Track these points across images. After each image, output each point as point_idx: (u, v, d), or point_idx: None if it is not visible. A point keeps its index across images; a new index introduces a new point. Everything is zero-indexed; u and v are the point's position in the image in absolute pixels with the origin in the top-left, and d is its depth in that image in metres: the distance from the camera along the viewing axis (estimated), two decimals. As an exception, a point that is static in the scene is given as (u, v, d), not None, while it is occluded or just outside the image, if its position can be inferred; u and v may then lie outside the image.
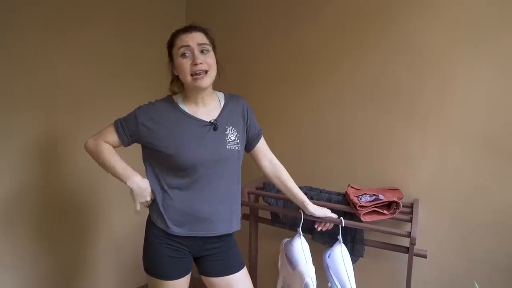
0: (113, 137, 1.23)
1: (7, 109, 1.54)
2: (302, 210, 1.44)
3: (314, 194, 1.60)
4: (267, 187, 1.76)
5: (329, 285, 1.40)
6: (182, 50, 1.17)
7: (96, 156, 1.24)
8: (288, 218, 1.70)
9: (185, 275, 1.27)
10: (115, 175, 1.24)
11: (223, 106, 1.29)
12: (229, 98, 1.33)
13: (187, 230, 1.22)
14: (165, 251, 1.23)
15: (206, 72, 1.18)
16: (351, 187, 1.57)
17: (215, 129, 1.23)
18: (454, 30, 1.41)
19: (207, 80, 1.19)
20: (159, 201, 1.23)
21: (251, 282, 1.37)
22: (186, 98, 1.26)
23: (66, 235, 1.86)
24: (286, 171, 1.42)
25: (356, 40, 1.64)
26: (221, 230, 1.26)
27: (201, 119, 1.23)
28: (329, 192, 1.63)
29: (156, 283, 1.25)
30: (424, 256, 1.36)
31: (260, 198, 1.81)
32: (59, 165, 1.79)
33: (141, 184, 1.22)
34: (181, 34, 1.20)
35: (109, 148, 1.24)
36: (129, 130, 1.22)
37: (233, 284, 1.30)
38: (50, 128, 1.71)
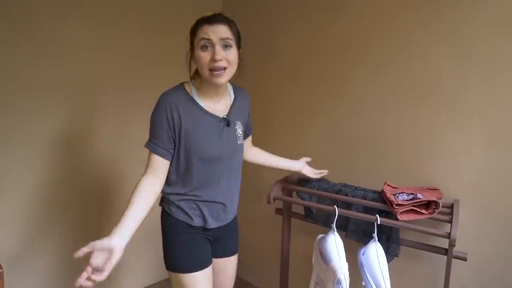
0: (155, 159, 1.16)
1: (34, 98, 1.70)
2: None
3: (349, 191, 1.59)
4: (301, 183, 1.76)
5: (363, 283, 1.39)
6: (202, 42, 1.11)
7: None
8: (322, 214, 1.69)
9: (210, 263, 1.30)
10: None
11: (233, 101, 1.30)
12: (237, 92, 1.34)
13: (215, 222, 1.29)
14: (190, 240, 1.26)
15: (224, 69, 1.13)
16: (388, 185, 1.54)
17: (228, 124, 1.25)
18: (505, 24, 1.34)
19: (225, 78, 1.14)
20: (185, 197, 1.25)
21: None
22: (202, 92, 1.22)
23: (93, 221, 1.97)
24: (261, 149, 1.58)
25: (395, 33, 1.59)
26: (232, 216, 1.37)
27: (217, 115, 1.23)
28: (364, 190, 1.61)
29: (187, 279, 1.22)
30: (464, 259, 1.31)
31: (294, 194, 1.82)
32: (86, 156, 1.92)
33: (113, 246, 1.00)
34: (204, 25, 1.11)
35: (140, 192, 1.12)
36: (162, 143, 1.17)
37: (228, 265, 1.41)
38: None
